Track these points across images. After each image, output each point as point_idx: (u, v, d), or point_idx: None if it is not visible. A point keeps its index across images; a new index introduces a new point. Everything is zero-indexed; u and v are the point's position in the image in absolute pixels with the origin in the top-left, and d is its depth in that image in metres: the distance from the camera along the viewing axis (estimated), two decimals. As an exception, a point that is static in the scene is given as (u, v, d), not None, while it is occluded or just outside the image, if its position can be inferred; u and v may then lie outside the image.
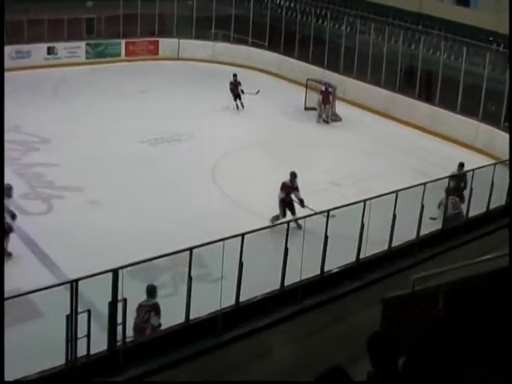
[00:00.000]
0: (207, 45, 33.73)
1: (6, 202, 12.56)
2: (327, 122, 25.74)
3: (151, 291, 10.96)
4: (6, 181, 17.71)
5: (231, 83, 26.34)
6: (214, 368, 9.67)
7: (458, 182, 16.41)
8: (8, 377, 8.69)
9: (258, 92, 26.03)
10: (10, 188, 14.21)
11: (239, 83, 26.27)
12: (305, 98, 26.81)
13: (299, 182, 16.73)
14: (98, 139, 21.60)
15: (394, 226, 13.11)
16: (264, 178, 19.30)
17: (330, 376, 4.86)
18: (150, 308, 10.78)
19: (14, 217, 14.22)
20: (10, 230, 13.98)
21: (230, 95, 26.25)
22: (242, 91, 26.13)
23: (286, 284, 11.33)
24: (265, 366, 9.56)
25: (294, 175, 16.61)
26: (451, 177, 16.31)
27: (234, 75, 26.50)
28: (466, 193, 15.86)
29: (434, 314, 7.45)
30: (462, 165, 17.53)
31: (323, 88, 26.20)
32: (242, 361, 9.83)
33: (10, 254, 13.82)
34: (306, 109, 26.70)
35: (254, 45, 33.18)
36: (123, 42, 33.68)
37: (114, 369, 9.49)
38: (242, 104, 26.31)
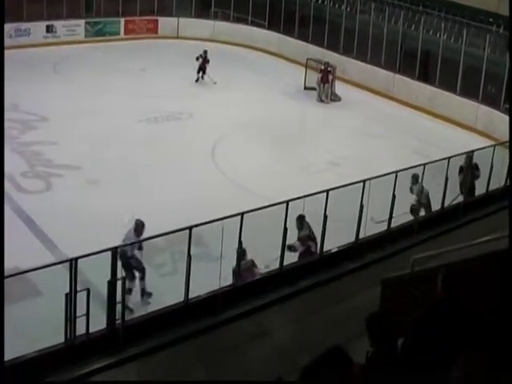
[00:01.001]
0: (207, 24, 33.54)
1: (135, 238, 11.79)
2: (326, 102, 25.67)
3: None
4: (5, 158, 17.91)
5: (201, 57, 26.42)
6: (212, 347, 9.71)
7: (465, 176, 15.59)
8: (7, 356, 8.74)
9: (215, 83, 26.14)
10: (141, 225, 12.01)
11: (208, 61, 26.39)
12: (304, 78, 26.73)
13: (299, 161, 16.67)
14: (96, 117, 21.54)
15: (393, 207, 13.10)
16: (263, 157, 19.32)
17: (330, 356, 4.87)
18: None
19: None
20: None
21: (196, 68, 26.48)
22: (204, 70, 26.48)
23: (284, 264, 11.33)
24: (263, 345, 9.60)
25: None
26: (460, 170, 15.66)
27: (205, 51, 26.55)
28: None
29: (433, 295, 7.46)
30: (470, 157, 15.80)
31: (322, 67, 26.11)
32: (240, 340, 9.86)
33: (149, 294, 12.24)
34: (306, 88, 26.62)
35: (253, 24, 32.98)
36: (122, 20, 33.52)
37: (112, 347, 9.50)
38: (202, 77, 26.62)
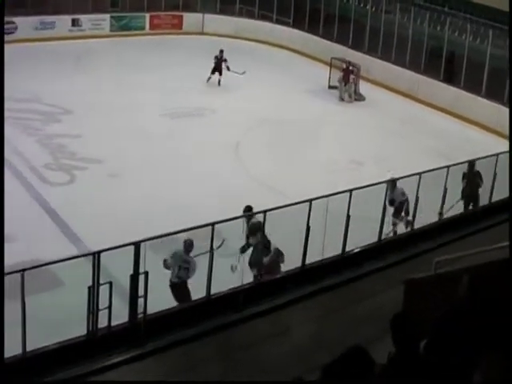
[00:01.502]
0: (231, 20, 33.61)
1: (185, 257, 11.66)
2: (348, 101, 25.59)
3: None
4: (30, 150, 18.19)
5: (216, 58, 26.01)
6: (232, 344, 9.72)
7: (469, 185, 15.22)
8: (29, 346, 8.83)
9: (243, 73, 25.59)
10: (190, 244, 11.42)
11: (225, 60, 25.96)
12: (329, 77, 26.68)
13: (322, 160, 16.58)
14: (119, 111, 21.65)
15: (416, 208, 13.06)
16: (285, 155, 19.31)
17: (351, 355, 4.88)
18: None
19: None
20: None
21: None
22: (228, 68, 25.76)
23: (306, 262, 11.33)
24: (283, 344, 9.59)
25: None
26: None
27: (221, 51, 26.09)
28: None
29: (457, 297, 7.43)
30: (472, 165, 15.35)
31: (344, 66, 26.03)
32: (260, 338, 9.85)
33: None
34: (330, 87, 26.54)
35: (278, 21, 32.99)
36: (147, 15, 33.67)
37: (134, 341, 9.54)
38: (219, 81, 25.97)
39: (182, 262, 11.18)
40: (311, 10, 31.73)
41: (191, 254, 11.21)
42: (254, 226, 11.50)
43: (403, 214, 14.14)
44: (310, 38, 31.17)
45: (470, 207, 15.24)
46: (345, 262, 11.72)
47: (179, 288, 11.17)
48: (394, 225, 14.19)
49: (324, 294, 10.58)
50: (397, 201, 14.03)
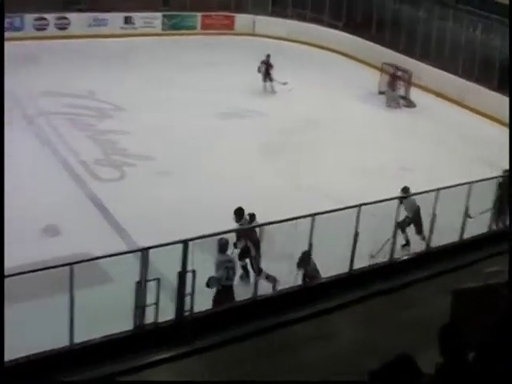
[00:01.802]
0: (283, 22, 33.56)
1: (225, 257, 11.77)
2: (395, 107, 25.36)
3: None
4: (82, 145, 18.46)
5: (263, 62, 25.40)
6: (276, 346, 9.73)
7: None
8: (76, 338, 8.97)
9: (285, 83, 24.96)
10: (226, 243, 11.28)
11: (271, 65, 25.38)
12: (379, 82, 26.51)
13: (369, 165, 16.46)
14: (169, 109, 21.82)
15: (466, 218, 12.95)
16: (331, 159, 19.24)
17: (399, 363, 4.87)
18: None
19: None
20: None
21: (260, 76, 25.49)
22: (271, 77, 25.29)
23: (354, 268, 11.30)
24: (327, 347, 9.59)
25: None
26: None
27: (268, 55, 25.52)
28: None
29: (506, 308, 7.36)
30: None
31: (392, 72, 25.82)
32: (305, 341, 9.86)
33: None
34: (380, 93, 26.36)
35: (329, 25, 32.87)
36: (199, 15, 33.86)
37: (179, 338, 9.60)
38: (272, 87, 25.42)
39: (228, 262, 11.20)
40: (363, 14, 31.60)
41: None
42: None
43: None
44: (361, 42, 30.96)
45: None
46: (393, 269, 11.66)
47: (229, 290, 11.19)
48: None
49: (371, 300, 10.53)
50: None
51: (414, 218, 14.06)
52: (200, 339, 9.61)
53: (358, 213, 11.07)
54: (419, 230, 14.01)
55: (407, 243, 14.17)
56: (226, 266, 11.04)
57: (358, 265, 11.38)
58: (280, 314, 10.26)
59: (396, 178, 17.53)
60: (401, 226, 13.41)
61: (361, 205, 11.02)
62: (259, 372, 8.89)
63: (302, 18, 33.91)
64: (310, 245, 10.95)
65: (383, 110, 25.09)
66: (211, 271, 11.00)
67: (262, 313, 10.20)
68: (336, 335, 9.93)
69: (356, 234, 11.22)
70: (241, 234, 12.27)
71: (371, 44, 30.46)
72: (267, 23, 33.58)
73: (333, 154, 19.82)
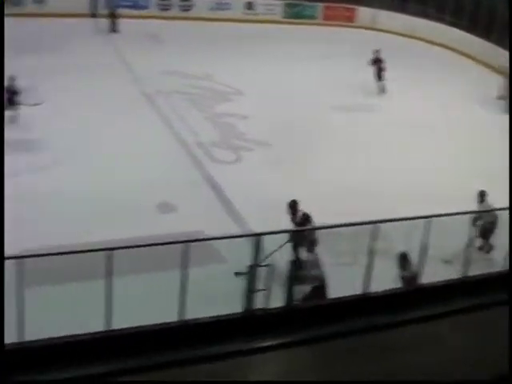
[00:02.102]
0: (404, 18, 33.07)
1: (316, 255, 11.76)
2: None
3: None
4: (200, 126, 18.66)
5: (373, 60, 24.39)
6: (384, 345, 9.61)
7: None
8: (188, 315, 9.13)
9: (383, 89, 24.27)
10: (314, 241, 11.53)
11: (380, 61, 24.26)
12: (499, 86, 25.68)
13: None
14: (288, 99, 21.84)
15: None
16: (446, 162, 18.78)
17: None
18: None
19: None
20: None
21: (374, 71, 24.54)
22: (381, 75, 24.23)
23: (469, 275, 11.04)
24: (435, 353, 9.43)
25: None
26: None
27: (377, 51, 24.40)
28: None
29: None
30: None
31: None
32: (411, 344, 9.72)
33: None
34: (499, 98, 25.49)
35: (452, 24, 32.15)
36: (321, 5, 33.82)
37: (288, 325, 9.61)
38: (383, 87, 24.35)
39: (318, 260, 11.25)
40: (489, 14, 30.68)
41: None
42: None
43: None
44: (486, 44, 30.13)
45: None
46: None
47: (323, 288, 11.19)
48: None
49: (486, 310, 10.26)
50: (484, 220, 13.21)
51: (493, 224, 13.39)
52: (308, 330, 9.61)
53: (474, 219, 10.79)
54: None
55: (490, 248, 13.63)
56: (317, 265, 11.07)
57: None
58: (389, 313, 10.14)
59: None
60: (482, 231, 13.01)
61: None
62: (362, 370, 8.84)
63: (424, 15, 33.31)
64: (424, 246, 10.71)
65: (500, 115, 24.24)
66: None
67: (372, 310, 10.09)
68: (445, 341, 9.74)
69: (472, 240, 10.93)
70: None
71: (496, 47, 29.56)
72: (388, 18, 33.20)
73: (447, 156, 19.31)
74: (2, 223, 8.77)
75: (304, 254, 11.54)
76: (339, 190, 15.75)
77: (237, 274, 9.99)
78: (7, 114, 16.78)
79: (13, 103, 17.24)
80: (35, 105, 17.06)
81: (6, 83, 16.91)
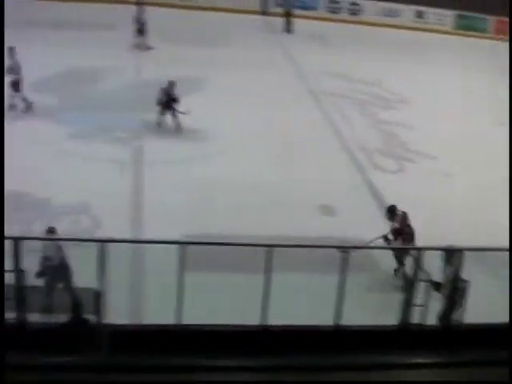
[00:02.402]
0: None
1: None
2: None
3: None
4: (364, 132, 18.37)
5: None
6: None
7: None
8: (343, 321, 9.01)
9: None
10: None
11: None
12: None
13: None
14: (456, 111, 21.23)
15: None
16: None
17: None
18: None
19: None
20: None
21: None
22: None
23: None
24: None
25: None
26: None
27: None
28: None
29: None
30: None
31: None
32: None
33: None
34: None
35: None
36: (493, 18, 32.92)
37: (443, 344, 9.34)
38: None
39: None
40: None
41: None
42: None
43: None
44: None
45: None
46: None
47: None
48: None
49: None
50: None
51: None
52: (465, 352, 9.30)
53: None
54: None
55: None
56: None
57: None
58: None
59: None
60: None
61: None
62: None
63: None
64: None
65: None
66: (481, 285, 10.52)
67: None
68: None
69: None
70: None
71: None
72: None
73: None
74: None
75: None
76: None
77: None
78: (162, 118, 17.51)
79: (168, 108, 17.47)
80: (182, 113, 17.43)
81: (165, 87, 17.25)
